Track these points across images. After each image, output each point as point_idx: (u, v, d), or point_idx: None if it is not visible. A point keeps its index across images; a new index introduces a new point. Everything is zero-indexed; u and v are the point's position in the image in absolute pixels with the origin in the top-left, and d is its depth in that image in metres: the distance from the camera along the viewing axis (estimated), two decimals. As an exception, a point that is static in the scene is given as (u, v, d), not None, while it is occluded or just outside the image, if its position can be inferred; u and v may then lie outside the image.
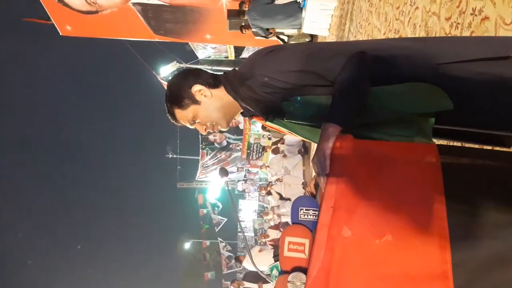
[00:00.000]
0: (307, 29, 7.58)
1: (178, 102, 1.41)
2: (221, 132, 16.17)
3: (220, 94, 1.42)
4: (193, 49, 12.54)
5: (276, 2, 7.43)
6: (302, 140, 9.42)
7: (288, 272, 1.01)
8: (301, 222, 1.07)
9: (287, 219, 9.05)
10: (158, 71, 12.92)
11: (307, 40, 8.64)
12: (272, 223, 10.30)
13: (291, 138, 10.36)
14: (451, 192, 0.95)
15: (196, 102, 1.41)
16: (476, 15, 2.27)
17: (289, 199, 9.44)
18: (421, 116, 1.18)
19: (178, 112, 1.43)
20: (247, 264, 7.89)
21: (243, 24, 8.09)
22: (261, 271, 1.38)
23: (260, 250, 7.46)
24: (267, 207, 13.72)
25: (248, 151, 16.15)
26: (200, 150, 18.00)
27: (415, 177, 0.98)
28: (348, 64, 1.19)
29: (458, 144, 1.60)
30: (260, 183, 15.69)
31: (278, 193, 9.89)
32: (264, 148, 13.89)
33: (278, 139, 11.16)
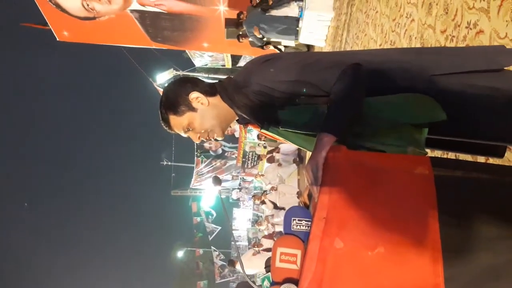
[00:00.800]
0: (304, 39, 7.63)
1: (174, 108, 1.40)
2: (216, 140, 16.15)
3: (217, 102, 1.42)
4: (190, 57, 12.58)
5: (272, 13, 7.47)
6: (298, 149, 9.42)
7: (280, 283, 0.99)
8: (293, 233, 1.06)
9: (281, 228, 8.99)
10: (154, 78, 12.94)
11: (304, 50, 8.70)
12: (266, 233, 10.25)
13: (287, 147, 10.38)
14: (443, 204, 0.94)
15: (192, 109, 1.40)
16: (471, 29, 2.29)
17: (283, 208, 9.42)
18: (414, 126, 1.18)
19: (173, 119, 1.42)
20: (240, 268, 7.85)
21: (240, 33, 8.14)
22: (252, 281, 1.36)
23: (254, 254, 7.43)
24: (261, 216, 13.67)
25: (243, 159, 16.13)
26: (195, 157, 17.96)
27: (408, 189, 0.98)
28: (343, 75, 1.19)
29: (451, 154, 1.61)
30: (255, 191, 15.65)
31: (273, 202, 9.87)
32: (259, 157, 13.88)
33: (273, 148, 11.17)
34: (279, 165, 10.43)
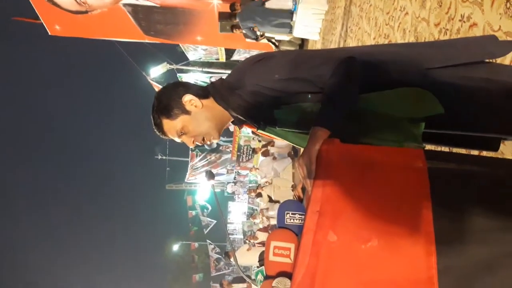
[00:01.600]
0: (298, 33, 7.61)
1: (167, 112, 1.38)
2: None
3: (210, 104, 1.40)
4: (184, 50, 12.48)
5: (267, 6, 7.44)
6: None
7: (273, 277, 1.00)
8: (287, 226, 1.06)
9: (276, 221, 9.02)
10: (148, 72, 12.85)
11: (298, 43, 8.68)
12: (261, 226, 10.28)
13: (281, 141, 10.34)
14: (437, 197, 0.94)
15: (186, 112, 1.38)
16: (464, 22, 2.29)
17: (278, 202, 9.43)
18: (411, 121, 1.18)
19: (166, 123, 1.40)
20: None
21: (234, 24, 8.09)
22: (246, 275, 1.37)
23: (248, 249, 7.46)
24: (256, 210, 13.70)
25: (238, 153, 16.12)
26: (190, 151, 17.91)
27: (402, 182, 0.98)
28: (337, 69, 1.19)
29: (446, 149, 1.61)
30: (250, 185, 15.66)
31: (268, 196, 9.89)
32: (254, 150, 13.87)
33: (268, 142, 11.16)
34: (274, 158, 10.44)
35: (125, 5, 9.91)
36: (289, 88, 1.25)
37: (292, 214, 1.07)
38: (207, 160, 18.10)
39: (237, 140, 16.01)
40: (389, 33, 3.72)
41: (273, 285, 0.97)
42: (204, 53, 12.67)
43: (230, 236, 18.21)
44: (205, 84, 1.48)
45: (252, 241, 9.17)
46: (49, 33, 10.63)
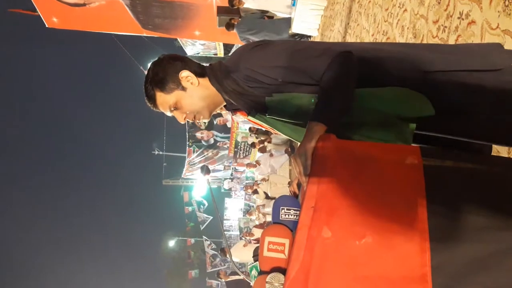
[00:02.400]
0: (297, 29, 7.58)
1: (162, 86, 1.36)
2: (206, 127, 16.11)
3: (206, 84, 1.40)
4: (182, 45, 12.45)
5: (263, 8, 7.45)
6: (289, 140, 9.41)
7: (267, 273, 0.99)
8: (282, 222, 1.06)
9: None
10: (145, 66, 12.81)
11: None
12: (257, 222, 10.29)
13: (278, 137, 10.36)
14: (432, 194, 0.94)
15: (181, 88, 1.37)
16: (463, 19, 2.28)
17: (274, 198, 9.43)
18: (402, 121, 1.17)
19: (160, 96, 1.38)
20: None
21: (229, 23, 8.03)
22: (241, 271, 1.36)
23: (244, 245, 7.47)
24: (253, 206, 13.70)
25: (236, 149, 16.09)
26: (187, 147, 17.87)
27: (397, 178, 0.97)
28: (334, 63, 1.18)
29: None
30: (247, 181, 15.65)
31: (264, 192, 9.89)
32: (253, 144, 13.87)
33: (265, 138, 11.15)
34: (271, 155, 10.43)
35: (123, -2, 9.85)
36: (282, 77, 1.24)
37: (287, 209, 1.06)
38: (204, 156, 18.07)
39: (235, 137, 15.99)
40: (388, 30, 3.71)
41: (267, 280, 0.97)
42: (202, 48, 12.64)
43: (226, 232, 18.23)
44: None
45: (248, 237, 9.18)
46: (46, 26, 10.57)
